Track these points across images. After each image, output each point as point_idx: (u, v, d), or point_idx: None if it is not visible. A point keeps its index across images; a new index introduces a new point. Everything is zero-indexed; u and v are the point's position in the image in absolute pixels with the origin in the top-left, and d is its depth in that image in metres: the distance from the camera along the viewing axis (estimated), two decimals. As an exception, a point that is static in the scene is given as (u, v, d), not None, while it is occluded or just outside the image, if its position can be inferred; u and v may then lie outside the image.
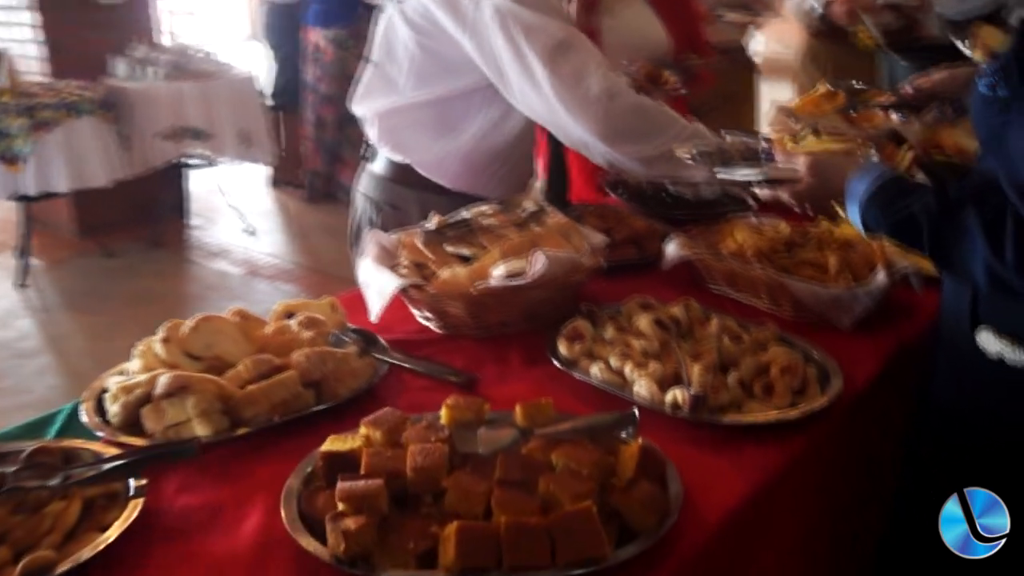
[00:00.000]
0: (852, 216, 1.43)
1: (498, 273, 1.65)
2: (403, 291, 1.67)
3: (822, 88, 2.44)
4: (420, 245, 1.79)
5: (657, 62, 2.59)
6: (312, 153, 6.76)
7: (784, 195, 1.55)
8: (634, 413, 1.25)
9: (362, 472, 1.14)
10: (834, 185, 1.46)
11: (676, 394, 1.36)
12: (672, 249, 1.91)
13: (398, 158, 2.21)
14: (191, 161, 6.10)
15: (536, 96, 1.93)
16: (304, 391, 1.42)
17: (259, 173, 7.22)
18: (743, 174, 1.61)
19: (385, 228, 2.19)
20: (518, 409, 1.26)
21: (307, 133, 6.81)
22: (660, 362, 1.48)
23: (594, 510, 1.05)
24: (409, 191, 2.22)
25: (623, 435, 1.24)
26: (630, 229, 2.10)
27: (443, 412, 1.26)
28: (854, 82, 2.59)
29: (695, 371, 1.40)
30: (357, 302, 1.77)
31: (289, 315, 1.67)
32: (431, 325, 1.74)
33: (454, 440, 1.20)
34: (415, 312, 1.77)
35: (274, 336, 1.57)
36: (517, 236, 1.79)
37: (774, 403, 1.39)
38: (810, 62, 4.01)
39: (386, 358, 1.55)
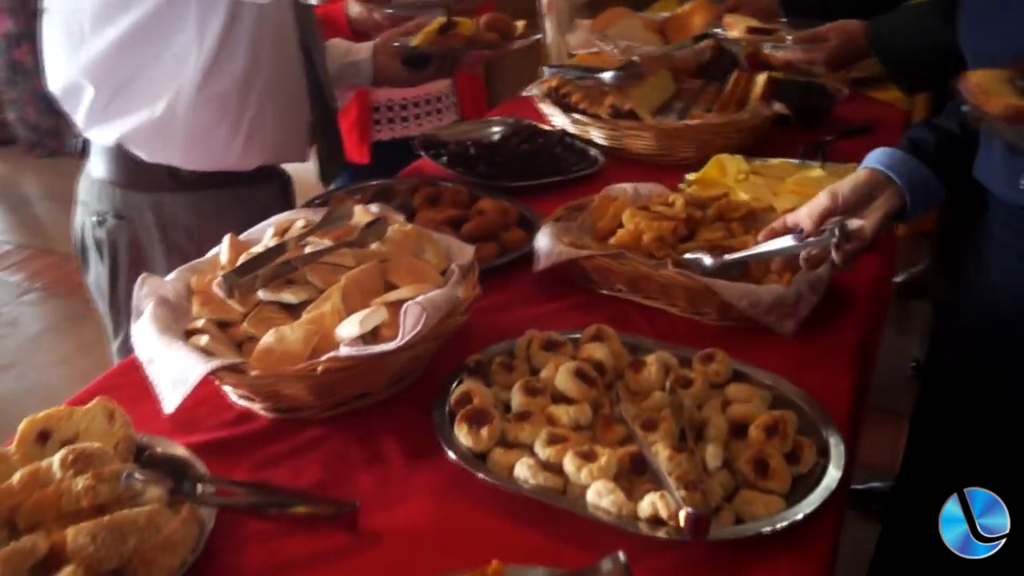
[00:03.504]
0: None
1: (347, 333, 1.16)
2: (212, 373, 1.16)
3: None
4: (221, 293, 1.27)
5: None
6: (26, 103, 5.67)
7: None
8: (622, 563, 0.85)
9: None
10: None
11: (656, 505, 0.96)
12: (547, 245, 1.49)
13: (109, 140, 1.65)
14: None
15: None
16: (96, 594, 0.91)
17: (-49, 134, 6.02)
18: None
19: (113, 246, 1.70)
20: (454, 596, 0.82)
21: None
22: (599, 440, 1.08)
23: None
24: (137, 194, 1.69)
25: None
26: (480, 218, 1.65)
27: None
28: None
29: (661, 455, 1.01)
30: (134, 381, 1.23)
31: (43, 437, 1.12)
32: (257, 408, 1.25)
33: None
34: (229, 390, 1.26)
35: (25, 489, 1.02)
36: (356, 264, 1.31)
37: (772, 486, 1.02)
38: None
39: (211, 500, 1.05)
